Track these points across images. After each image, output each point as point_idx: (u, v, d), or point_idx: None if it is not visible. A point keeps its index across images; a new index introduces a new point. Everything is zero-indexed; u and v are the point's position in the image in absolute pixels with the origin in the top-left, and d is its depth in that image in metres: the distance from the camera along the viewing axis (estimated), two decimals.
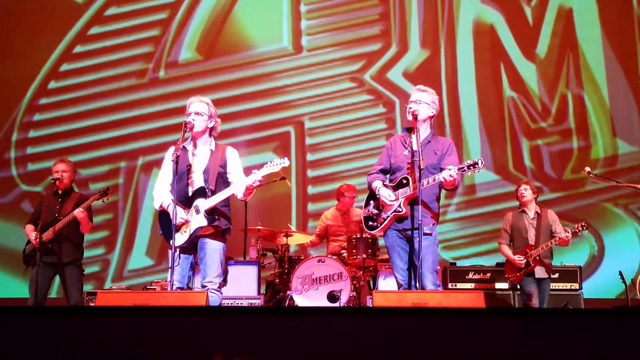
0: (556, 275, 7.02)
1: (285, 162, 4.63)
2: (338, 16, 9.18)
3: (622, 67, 8.74)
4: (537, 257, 6.37)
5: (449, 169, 4.53)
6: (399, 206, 4.73)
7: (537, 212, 6.59)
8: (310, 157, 8.98)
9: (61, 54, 9.33)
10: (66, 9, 9.41)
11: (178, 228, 4.65)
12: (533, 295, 6.39)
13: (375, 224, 4.91)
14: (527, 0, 8.93)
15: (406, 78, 8.86)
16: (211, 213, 4.66)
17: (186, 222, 4.67)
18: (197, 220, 4.66)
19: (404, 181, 4.75)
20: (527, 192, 6.58)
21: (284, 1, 9.26)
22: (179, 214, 4.61)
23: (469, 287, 7.23)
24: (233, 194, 4.75)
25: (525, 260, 6.39)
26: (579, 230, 6.25)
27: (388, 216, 4.80)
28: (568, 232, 6.25)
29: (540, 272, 6.41)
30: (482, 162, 4.50)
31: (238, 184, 4.68)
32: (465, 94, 8.88)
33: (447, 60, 8.95)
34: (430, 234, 4.73)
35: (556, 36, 8.84)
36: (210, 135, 4.87)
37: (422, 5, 9.06)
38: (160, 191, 4.82)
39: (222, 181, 4.77)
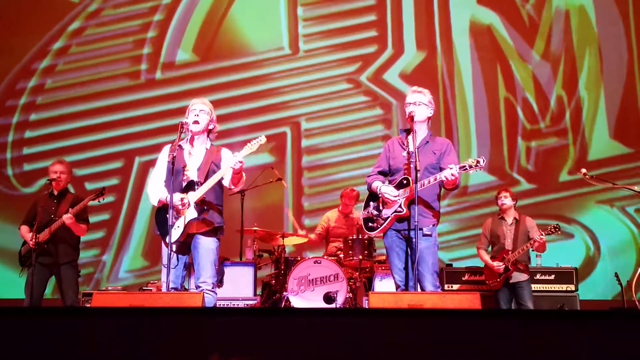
0: (552, 277, 7.03)
1: (262, 139, 4.70)
2: (335, 17, 9.18)
3: (618, 69, 8.76)
4: (514, 262, 6.42)
5: (451, 168, 4.52)
6: (400, 206, 4.73)
7: (515, 219, 6.66)
8: (306, 157, 8.98)
9: (57, 52, 9.32)
10: (62, 7, 9.39)
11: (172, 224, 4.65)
12: (502, 305, 6.49)
13: (375, 224, 4.89)
14: (524, 1, 8.95)
15: (403, 80, 8.87)
16: (201, 205, 4.67)
17: (183, 205, 4.66)
18: (187, 213, 4.67)
19: (404, 181, 4.74)
20: (506, 199, 6.66)
21: (280, 3, 9.26)
22: (176, 198, 4.63)
23: (465, 288, 7.23)
24: (227, 193, 4.77)
25: (503, 266, 6.43)
26: (551, 232, 6.29)
27: (388, 217, 4.79)
28: (542, 235, 6.30)
29: (518, 276, 6.47)
30: (484, 161, 4.49)
31: (223, 169, 4.71)
32: (461, 95, 8.90)
33: (443, 61, 8.97)
34: (430, 235, 4.73)
35: (553, 37, 8.86)
36: (207, 137, 4.91)
37: (418, 7, 9.07)
38: (155, 188, 4.83)
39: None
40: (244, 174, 4.80)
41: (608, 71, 8.74)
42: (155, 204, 4.82)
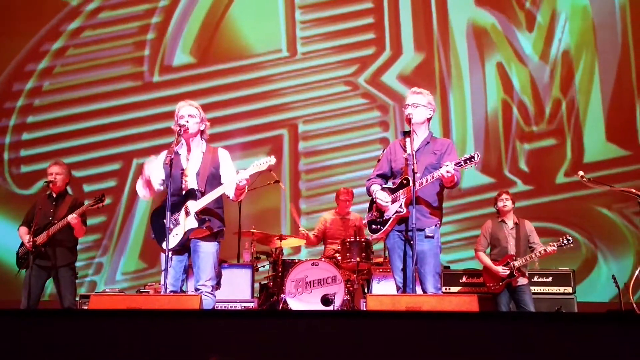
0: (549, 279, 7.04)
1: (272, 160, 4.66)
2: (332, 20, 9.19)
3: (615, 71, 8.76)
4: (518, 268, 6.41)
5: (446, 165, 4.52)
6: (400, 207, 4.73)
7: (515, 222, 6.65)
8: (303, 160, 8.98)
9: (55, 55, 9.32)
10: (60, 10, 9.39)
11: (170, 230, 4.65)
12: (502, 308, 6.49)
13: (379, 226, 4.90)
14: (521, 4, 8.96)
15: (400, 81, 8.87)
16: (202, 214, 4.66)
17: (177, 224, 4.65)
18: (187, 222, 4.65)
19: (405, 182, 4.75)
20: (508, 202, 6.64)
21: (278, 5, 9.27)
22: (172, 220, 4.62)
23: (463, 291, 7.23)
24: (226, 196, 4.76)
25: (508, 271, 6.42)
26: (564, 245, 6.30)
27: (390, 217, 4.80)
28: (554, 246, 6.30)
29: (519, 279, 6.46)
30: (478, 156, 4.50)
31: (227, 184, 4.69)
32: (459, 97, 8.91)
33: (441, 63, 8.98)
34: (432, 237, 4.72)
35: (550, 40, 8.88)
36: (201, 138, 4.89)
37: (416, 9, 9.07)
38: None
39: (216, 183, 4.77)
40: (246, 188, 4.78)
41: (605, 74, 8.74)
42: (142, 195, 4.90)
